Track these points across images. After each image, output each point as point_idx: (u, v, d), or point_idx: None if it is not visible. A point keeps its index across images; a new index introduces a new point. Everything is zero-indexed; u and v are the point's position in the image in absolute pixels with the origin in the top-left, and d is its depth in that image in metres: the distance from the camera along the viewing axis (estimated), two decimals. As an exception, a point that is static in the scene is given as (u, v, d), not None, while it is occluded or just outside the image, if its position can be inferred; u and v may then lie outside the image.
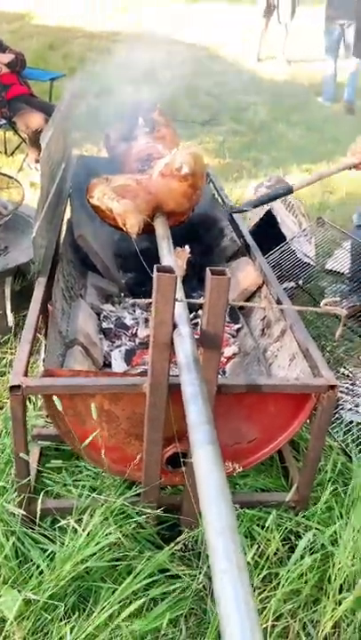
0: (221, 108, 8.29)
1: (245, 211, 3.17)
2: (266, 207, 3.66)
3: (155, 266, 1.54)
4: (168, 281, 1.51)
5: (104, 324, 2.64)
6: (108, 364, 2.42)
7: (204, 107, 8.31)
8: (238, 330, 2.66)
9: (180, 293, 1.77)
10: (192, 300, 1.64)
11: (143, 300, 1.72)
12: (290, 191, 3.07)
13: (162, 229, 2.49)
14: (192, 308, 2.73)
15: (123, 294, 2.95)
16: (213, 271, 1.53)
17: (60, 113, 2.93)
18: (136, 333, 2.63)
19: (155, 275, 1.52)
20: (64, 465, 2.09)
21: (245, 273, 2.81)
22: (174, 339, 1.59)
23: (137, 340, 2.60)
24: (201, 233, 3.59)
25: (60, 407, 1.73)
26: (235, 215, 3.34)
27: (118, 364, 2.39)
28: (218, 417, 1.26)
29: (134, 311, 2.81)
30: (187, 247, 2.45)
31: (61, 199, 3.17)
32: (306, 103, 8.70)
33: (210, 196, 4.00)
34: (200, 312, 2.83)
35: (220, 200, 3.79)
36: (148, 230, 2.53)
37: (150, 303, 1.69)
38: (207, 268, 1.54)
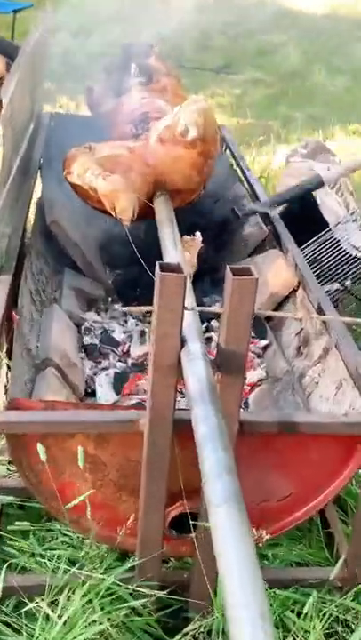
0: (240, 50, 8.39)
1: (260, 213, 3.19)
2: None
3: (157, 263, 1.55)
4: (174, 282, 1.52)
5: (86, 339, 2.66)
6: (91, 393, 2.44)
7: (217, 50, 8.41)
8: (266, 347, 2.68)
9: (189, 299, 1.78)
10: (206, 309, 1.65)
11: (139, 307, 1.73)
12: (320, 184, 3.13)
13: (164, 212, 2.50)
14: (204, 318, 2.76)
15: (110, 299, 2.98)
16: (235, 270, 1.54)
17: (27, 56, 2.96)
18: (128, 351, 2.65)
19: (157, 274, 1.53)
20: (32, 528, 2.09)
21: (275, 271, 2.83)
22: (182, 359, 1.59)
23: (130, 361, 2.61)
24: (215, 216, 3.62)
25: (43, 456, 1.74)
26: (259, 193, 3.37)
27: (105, 393, 2.40)
28: (239, 465, 1.26)
29: (126, 321, 2.84)
30: (198, 235, 2.47)
31: (29, 173, 3.20)
32: (350, 44, 8.78)
33: (226, 168, 4.05)
34: (215, 323, 2.84)
35: (239, 172, 3.83)
36: (145, 214, 2.55)
37: (149, 312, 1.69)
38: (227, 266, 1.54)
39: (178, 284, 1.52)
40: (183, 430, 1.76)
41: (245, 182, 3.65)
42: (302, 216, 3.45)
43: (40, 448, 1.74)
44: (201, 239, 2.44)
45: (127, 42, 4.00)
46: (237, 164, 3.85)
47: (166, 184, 2.61)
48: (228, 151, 4.13)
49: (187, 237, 2.38)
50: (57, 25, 4.29)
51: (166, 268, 1.54)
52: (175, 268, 1.53)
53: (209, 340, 2.67)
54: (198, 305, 1.83)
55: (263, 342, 2.69)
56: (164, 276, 1.51)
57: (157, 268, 1.54)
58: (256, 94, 7.28)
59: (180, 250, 2.20)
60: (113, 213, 2.41)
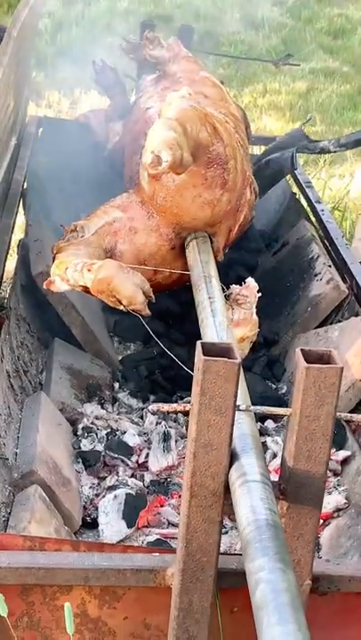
0: (304, 29, 8.59)
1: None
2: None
3: (198, 343, 1.57)
4: (224, 371, 1.52)
5: (84, 443, 2.66)
6: (91, 523, 2.42)
7: (273, 28, 8.62)
8: (346, 461, 2.66)
9: (242, 394, 1.79)
10: (268, 409, 1.65)
11: (170, 405, 1.74)
12: None
13: (197, 261, 2.57)
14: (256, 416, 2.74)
15: (120, 385, 2.99)
16: (309, 354, 1.55)
17: (13, 44, 3.08)
18: (146, 463, 2.63)
19: (197, 359, 1.55)
20: None
21: (359, 348, 2.84)
22: (231, 482, 1.59)
23: (147, 477, 2.60)
24: (268, 267, 3.65)
25: (3, 611, 1.73)
26: (334, 235, 3.40)
27: (112, 525, 2.38)
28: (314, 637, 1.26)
29: (142, 418, 2.84)
30: (250, 281, 2.49)
31: (8, 202, 3.28)
32: None
33: (286, 195, 4.10)
34: (271, 424, 2.83)
35: (304, 201, 3.88)
36: (176, 280, 2.66)
37: (182, 411, 1.70)
38: (298, 350, 1.56)
39: (230, 373, 1.52)
40: (230, 586, 1.74)
41: (313, 217, 3.70)
42: None
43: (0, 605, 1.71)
44: (257, 287, 2.47)
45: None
46: (302, 192, 3.91)
47: (189, 224, 2.68)
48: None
49: (235, 288, 2.42)
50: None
51: (212, 349, 1.55)
52: (225, 351, 1.54)
53: (264, 448, 2.66)
54: (254, 401, 1.83)
55: (343, 454, 2.67)
56: (209, 363, 1.52)
57: (198, 349, 1.55)
58: (328, 91, 7.40)
59: (227, 319, 2.22)
60: (124, 309, 2.48)
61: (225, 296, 2.37)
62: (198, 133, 2.52)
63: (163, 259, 2.70)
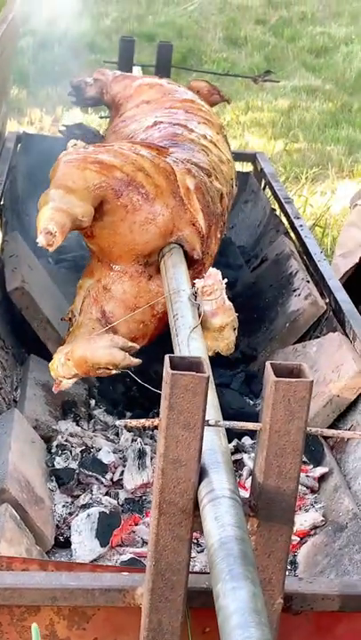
0: (286, 47, 8.64)
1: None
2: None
3: (165, 356, 1.55)
4: (192, 385, 1.51)
5: (58, 461, 2.65)
6: (64, 543, 2.41)
7: (254, 45, 8.66)
8: (323, 477, 2.65)
9: (212, 409, 1.77)
10: (237, 424, 1.63)
11: (138, 420, 1.72)
12: None
13: (167, 275, 2.56)
14: (233, 433, 2.73)
15: (95, 402, 2.98)
16: (279, 368, 1.54)
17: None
18: (121, 481, 2.63)
19: (165, 373, 1.53)
20: None
21: (336, 364, 2.83)
22: (200, 499, 1.57)
23: (122, 495, 2.59)
24: (247, 282, 3.64)
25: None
26: (313, 251, 3.40)
27: (85, 544, 2.38)
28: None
29: (117, 435, 2.83)
30: (213, 272, 2.47)
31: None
32: None
33: (265, 211, 4.11)
34: (248, 441, 2.82)
35: (283, 218, 3.88)
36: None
37: (151, 426, 1.68)
38: (267, 363, 1.55)
39: (197, 388, 1.51)
40: (203, 605, 1.72)
41: (292, 233, 3.70)
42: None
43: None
44: (219, 274, 2.46)
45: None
46: (281, 208, 3.91)
47: (146, 249, 2.66)
48: (267, 189, 4.20)
49: (199, 282, 2.41)
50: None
51: (181, 363, 1.54)
52: (194, 365, 1.53)
53: (239, 464, 2.64)
54: (225, 416, 1.81)
55: (320, 470, 2.66)
56: (177, 377, 1.51)
57: (166, 362, 1.54)
58: (310, 109, 7.44)
59: (199, 330, 2.21)
60: (116, 371, 2.52)
61: (193, 294, 2.36)
62: (85, 180, 2.52)
63: (148, 292, 2.68)
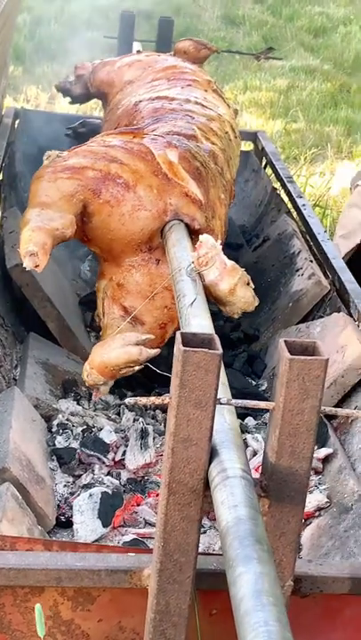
0: (285, 27, 8.59)
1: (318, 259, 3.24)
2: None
3: (177, 333, 1.52)
4: (205, 362, 1.49)
5: (59, 440, 2.63)
6: (65, 523, 2.40)
7: (252, 25, 8.62)
8: (327, 459, 2.64)
9: (223, 387, 1.75)
10: (251, 403, 1.61)
11: (147, 398, 1.69)
12: None
13: (170, 255, 2.53)
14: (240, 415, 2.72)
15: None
16: (293, 345, 1.52)
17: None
18: (123, 460, 2.62)
19: (176, 349, 1.50)
20: None
21: (340, 345, 2.81)
22: (211, 479, 1.55)
23: (124, 475, 2.58)
24: (249, 262, 3.62)
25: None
26: (316, 230, 3.38)
27: (87, 524, 2.36)
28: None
29: (119, 414, 2.82)
30: (204, 237, 2.44)
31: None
32: None
33: (267, 190, 4.09)
34: (251, 421, 2.80)
35: (285, 196, 3.85)
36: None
37: (160, 405, 1.66)
38: (281, 340, 1.53)
39: (209, 365, 1.49)
40: (211, 587, 1.73)
41: (295, 212, 3.68)
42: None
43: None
44: (210, 239, 2.43)
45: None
46: (283, 187, 3.89)
47: (144, 235, 2.63)
48: (268, 168, 4.18)
49: (194, 254, 2.39)
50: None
51: (192, 340, 1.51)
52: (206, 342, 1.51)
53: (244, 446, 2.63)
54: (234, 398, 1.79)
55: (324, 451, 2.65)
56: (189, 354, 1.48)
57: (178, 339, 1.52)
58: (308, 89, 7.41)
59: (203, 300, 2.18)
60: (139, 366, 2.54)
61: (192, 268, 2.33)
62: (59, 191, 2.52)
63: (160, 276, 2.67)
